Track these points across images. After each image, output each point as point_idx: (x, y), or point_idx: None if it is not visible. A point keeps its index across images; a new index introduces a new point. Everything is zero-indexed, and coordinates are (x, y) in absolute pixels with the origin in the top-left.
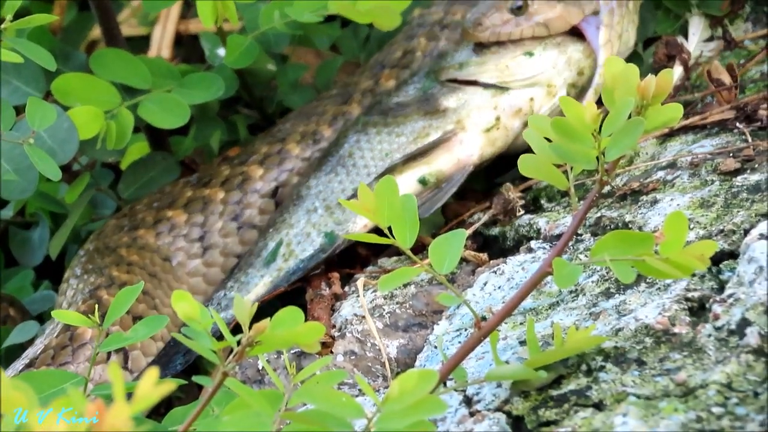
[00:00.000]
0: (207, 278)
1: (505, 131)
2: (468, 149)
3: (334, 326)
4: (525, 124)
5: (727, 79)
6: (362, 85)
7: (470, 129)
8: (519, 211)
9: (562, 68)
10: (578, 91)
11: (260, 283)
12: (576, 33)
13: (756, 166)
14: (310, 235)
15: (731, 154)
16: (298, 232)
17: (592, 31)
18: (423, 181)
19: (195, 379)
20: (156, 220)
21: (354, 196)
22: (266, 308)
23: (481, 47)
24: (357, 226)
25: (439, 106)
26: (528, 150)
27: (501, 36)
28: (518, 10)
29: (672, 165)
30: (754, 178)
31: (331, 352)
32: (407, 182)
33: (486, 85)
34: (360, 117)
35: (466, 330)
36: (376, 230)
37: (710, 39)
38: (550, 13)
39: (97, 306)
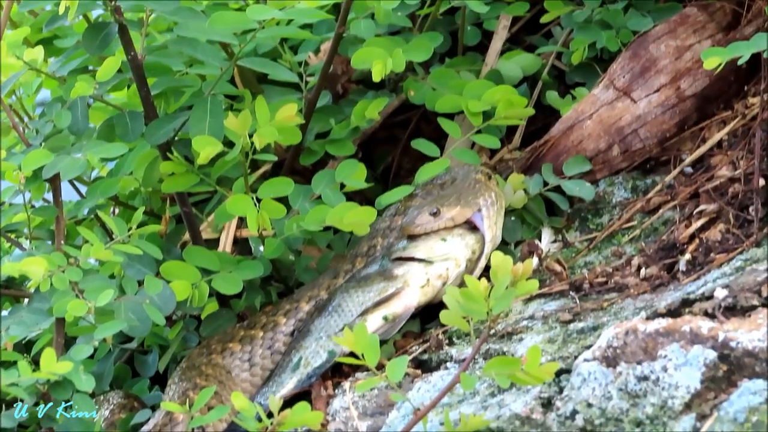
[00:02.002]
0: (252, 383)
1: (433, 288)
2: (411, 299)
3: (328, 413)
4: (443, 283)
5: (559, 268)
6: (344, 267)
7: (412, 286)
8: (444, 347)
9: (463, 249)
10: (473, 263)
11: (290, 382)
12: (471, 224)
13: (582, 318)
14: (319, 353)
15: (567, 311)
16: (312, 351)
17: (479, 220)
18: (385, 318)
19: None
20: (222, 348)
21: (342, 330)
22: (289, 402)
23: (414, 237)
24: (347, 350)
25: (392, 274)
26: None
27: (426, 229)
28: (435, 214)
29: (531, 317)
30: (581, 325)
31: (327, 430)
32: (376, 319)
33: (419, 260)
34: (343, 284)
35: (408, 416)
36: (354, 355)
37: (555, 241)
38: (454, 212)
39: (187, 401)
